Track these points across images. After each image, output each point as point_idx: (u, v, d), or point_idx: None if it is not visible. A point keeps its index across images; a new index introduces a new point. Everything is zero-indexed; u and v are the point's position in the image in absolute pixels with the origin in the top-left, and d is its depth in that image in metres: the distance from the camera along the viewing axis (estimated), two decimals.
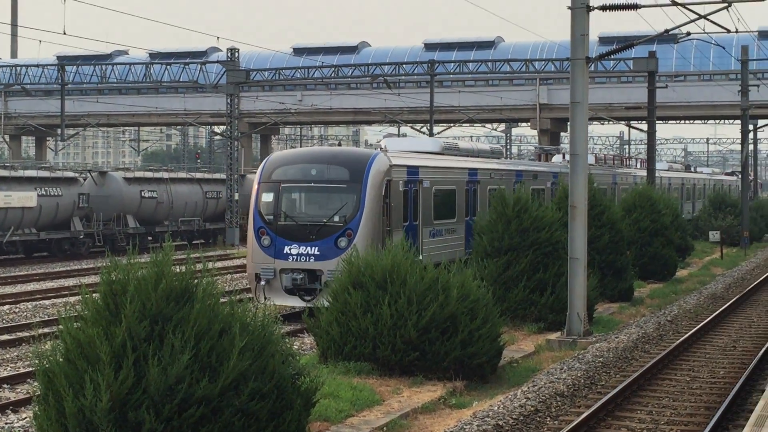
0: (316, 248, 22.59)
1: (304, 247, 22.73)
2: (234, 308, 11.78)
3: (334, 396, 14.77)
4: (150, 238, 48.33)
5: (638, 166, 53.40)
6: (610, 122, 65.95)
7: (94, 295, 11.90)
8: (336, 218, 22.87)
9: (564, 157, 44.03)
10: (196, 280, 11.85)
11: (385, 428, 13.74)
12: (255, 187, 23.89)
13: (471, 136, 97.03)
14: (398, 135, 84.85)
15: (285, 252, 22.87)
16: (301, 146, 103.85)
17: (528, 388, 15.57)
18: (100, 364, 10.66)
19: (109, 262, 11.69)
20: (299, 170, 23.55)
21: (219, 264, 40.03)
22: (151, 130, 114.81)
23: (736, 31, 24.01)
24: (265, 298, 22.87)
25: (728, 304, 26.45)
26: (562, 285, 22.11)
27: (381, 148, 25.61)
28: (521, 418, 13.80)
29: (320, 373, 16.28)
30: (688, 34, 22.49)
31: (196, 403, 10.78)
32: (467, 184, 29.03)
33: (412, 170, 25.58)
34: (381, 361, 16.71)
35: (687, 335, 20.81)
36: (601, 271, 27.54)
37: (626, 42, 21.68)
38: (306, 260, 22.72)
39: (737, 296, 28.27)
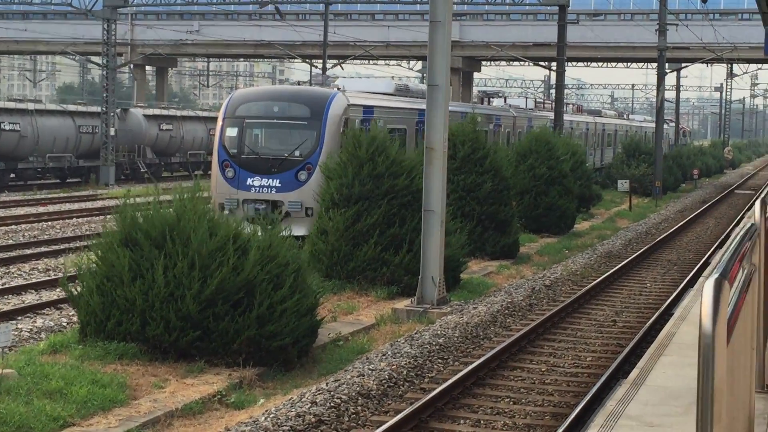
0: (278, 180, 23.62)
1: (266, 180, 23.82)
2: None
3: (62, 394, 11.05)
4: (12, 175, 44.04)
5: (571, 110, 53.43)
6: (526, 63, 62.24)
7: None
8: (297, 153, 23.93)
9: (505, 100, 45.83)
10: None
11: None
12: (219, 122, 25.05)
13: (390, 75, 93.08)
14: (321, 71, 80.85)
15: (248, 183, 23.91)
16: (201, 83, 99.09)
17: (327, 384, 11.88)
18: None
19: None
20: (262, 107, 24.82)
21: (77, 206, 36.04)
22: (58, 60, 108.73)
23: None
24: None
25: (622, 264, 23.13)
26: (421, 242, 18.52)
27: (338, 88, 26.10)
28: None
29: (73, 353, 12.65)
30: None
31: None
32: (417, 123, 29.06)
33: (368, 110, 26.67)
34: (152, 342, 13.01)
35: (559, 307, 17.30)
36: (482, 225, 24.19)
37: None
38: (267, 192, 23.80)
39: (634, 255, 24.98)
